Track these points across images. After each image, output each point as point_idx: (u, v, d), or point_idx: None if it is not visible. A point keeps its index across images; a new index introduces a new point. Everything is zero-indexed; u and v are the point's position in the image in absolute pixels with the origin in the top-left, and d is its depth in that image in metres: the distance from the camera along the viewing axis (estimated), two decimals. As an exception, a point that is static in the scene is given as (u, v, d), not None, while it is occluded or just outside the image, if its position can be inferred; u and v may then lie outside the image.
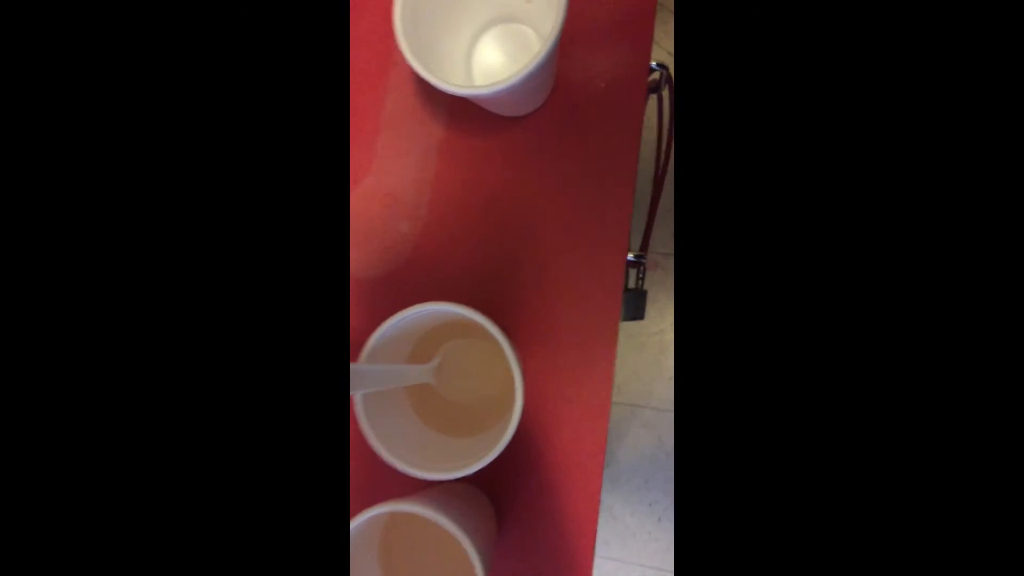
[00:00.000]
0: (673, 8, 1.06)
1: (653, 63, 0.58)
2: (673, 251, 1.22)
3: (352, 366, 0.30)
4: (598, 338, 0.41)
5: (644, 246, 0.67)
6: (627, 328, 1.29)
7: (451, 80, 0.33)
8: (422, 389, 0.38)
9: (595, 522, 0.40)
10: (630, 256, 0.61)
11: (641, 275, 0.67)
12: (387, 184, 0.43)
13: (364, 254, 0.44)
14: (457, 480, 0.40)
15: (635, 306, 0.66)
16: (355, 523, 0.31)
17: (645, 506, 1.29)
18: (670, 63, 0.54)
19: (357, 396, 0.32)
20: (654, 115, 0.68)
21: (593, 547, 0.39)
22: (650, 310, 1.28)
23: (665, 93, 0.65)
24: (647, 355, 1.31)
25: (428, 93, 0.43)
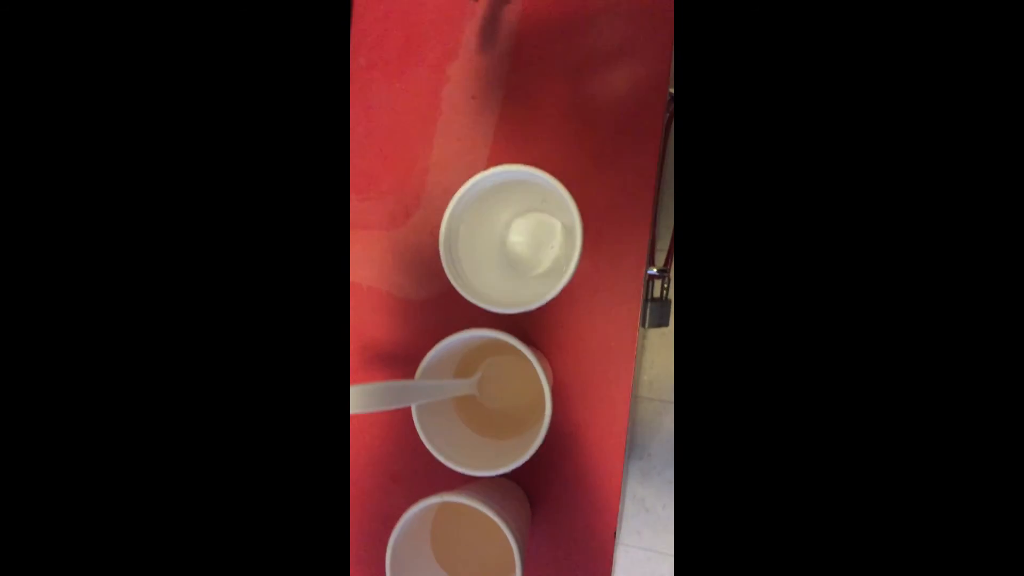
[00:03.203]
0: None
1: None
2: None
3: (409, 383, 0.37)
4: (618, 350, 0.47)
5: (668, 260, 0.72)
6: (660, 329, 1.34)
7: (486, 262, 0.42)
8: (467, 399, 0.45)
9: (616, 510, 0.46)
10: (653, 270, 0.67)
11: (666, 286, 0.72)
12: (435, 219, 0.50)
13: (415, 279, 0.50)
14: (497, 475, 0.46)
15: (660, 314, 0.71)
16: (410, 512, 0.38)
17: (676, 498, 1.34)
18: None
19: (414, 406, 0.39)
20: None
21: (614, 533, 0.45)
22: (682, 309, 1.33)
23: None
24: (678, 353, 1.35)
25: (471, 139, 0.50)
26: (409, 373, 0.42)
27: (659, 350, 1.34)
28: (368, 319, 0.51)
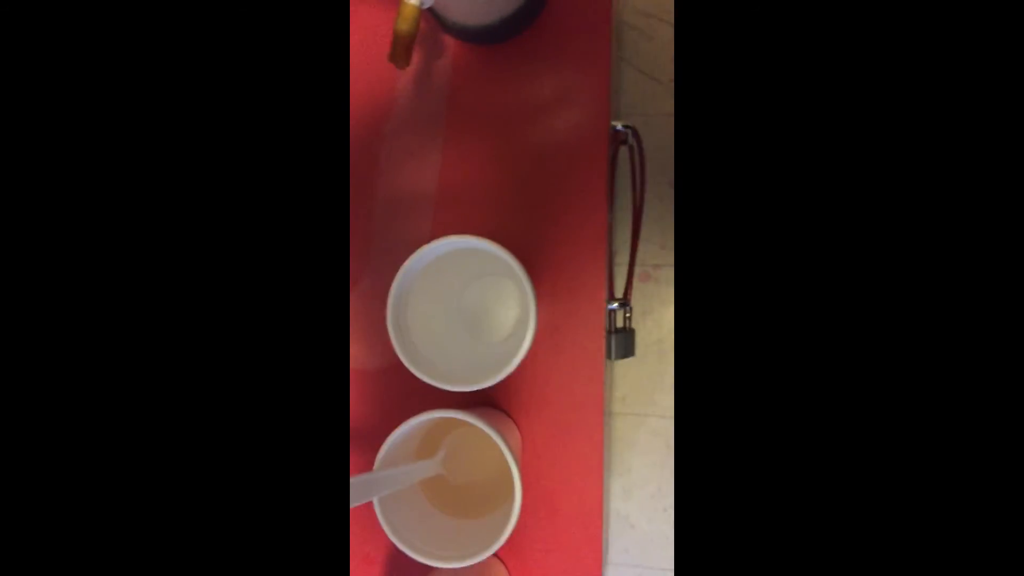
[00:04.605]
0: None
1: (619, 125, 0.63)
2: (663, 263, 1.26)
3: (369, 476, 0.34)
4: (585, 404, 0.45)
5: (628, 288, 0.72)
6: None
7: (442, 332, 0.41)
8: (432, 478, 0.42)
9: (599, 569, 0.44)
10: (614, 304, 0.66)
11: (628, 315, 0.71)
12: (383, 284, 0.47)
13: (367, 347, 0.48)
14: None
15: (625, 345, 0.70)
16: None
17: (660, 512, 1.33)
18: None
19: (375, 498, 0.36)
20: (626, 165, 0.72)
21: (599, 599, 0.44)
22: (647, 320, 1.32)
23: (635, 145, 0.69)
24: (648, 365, 1.35)
25: (412, 198, 0.48)
26: (370, 449, 0.39)
27: (629, 364, 1.34)
28: (322, 395, 0.48)
